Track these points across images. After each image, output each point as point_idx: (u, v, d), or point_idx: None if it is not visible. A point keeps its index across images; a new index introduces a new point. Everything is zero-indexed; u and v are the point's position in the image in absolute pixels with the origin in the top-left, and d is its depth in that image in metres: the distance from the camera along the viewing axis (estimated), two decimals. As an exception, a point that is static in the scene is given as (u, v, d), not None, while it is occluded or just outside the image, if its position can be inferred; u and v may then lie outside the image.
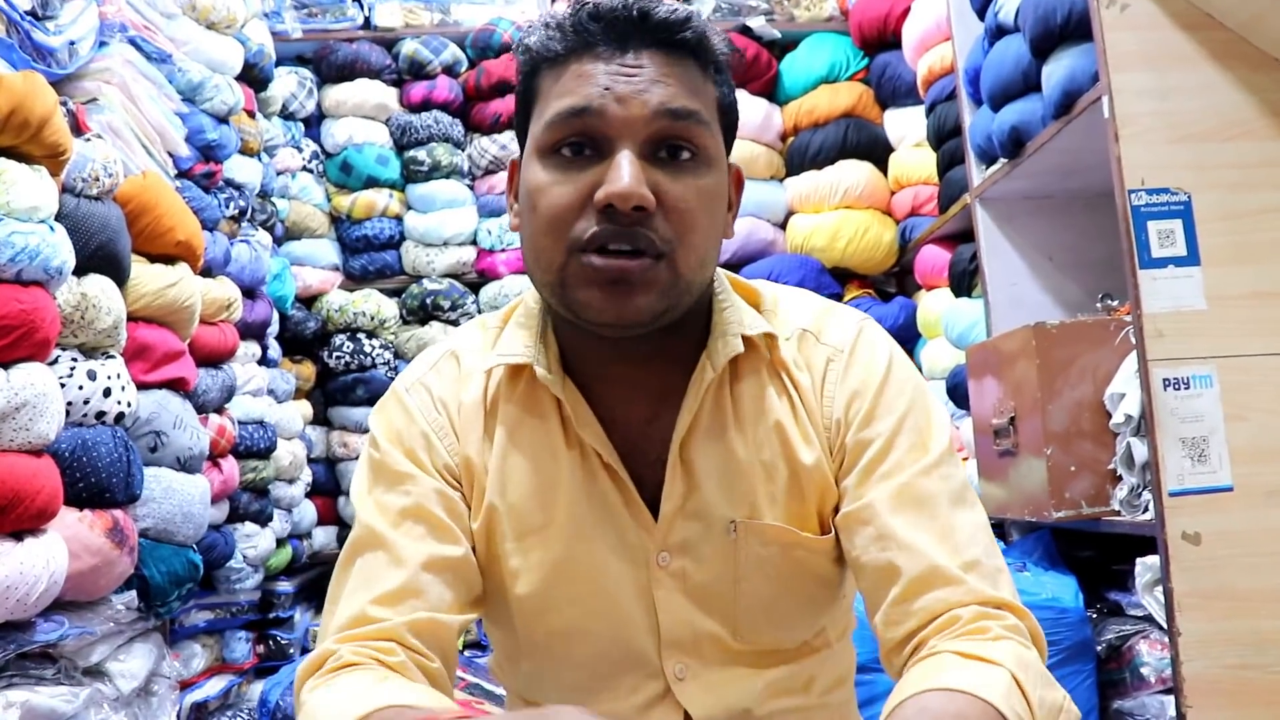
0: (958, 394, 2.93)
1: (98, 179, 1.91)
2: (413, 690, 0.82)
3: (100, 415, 1.88)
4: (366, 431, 3.90)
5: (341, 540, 3.71)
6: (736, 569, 0.96)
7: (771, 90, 3.90)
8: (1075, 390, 2.13)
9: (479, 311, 3.77)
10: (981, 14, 2.58)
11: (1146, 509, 1.94)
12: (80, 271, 1.84)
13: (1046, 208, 2.67)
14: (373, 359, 3.68)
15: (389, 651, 0.86)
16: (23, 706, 1.62)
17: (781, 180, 3.85)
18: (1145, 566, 1.91)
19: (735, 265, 3.60)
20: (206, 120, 2.70)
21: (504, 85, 3.80)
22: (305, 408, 3.60)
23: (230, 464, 2.68)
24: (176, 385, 2.25)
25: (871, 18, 3.63)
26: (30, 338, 1.63)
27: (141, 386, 2.10)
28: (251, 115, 3.10)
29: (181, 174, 2.55)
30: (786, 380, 0.97)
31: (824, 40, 3.87)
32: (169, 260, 2.25)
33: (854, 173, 3.67)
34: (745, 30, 3.84)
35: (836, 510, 0.96)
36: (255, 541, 2.89)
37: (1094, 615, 2.18)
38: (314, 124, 3.85)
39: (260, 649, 3.10)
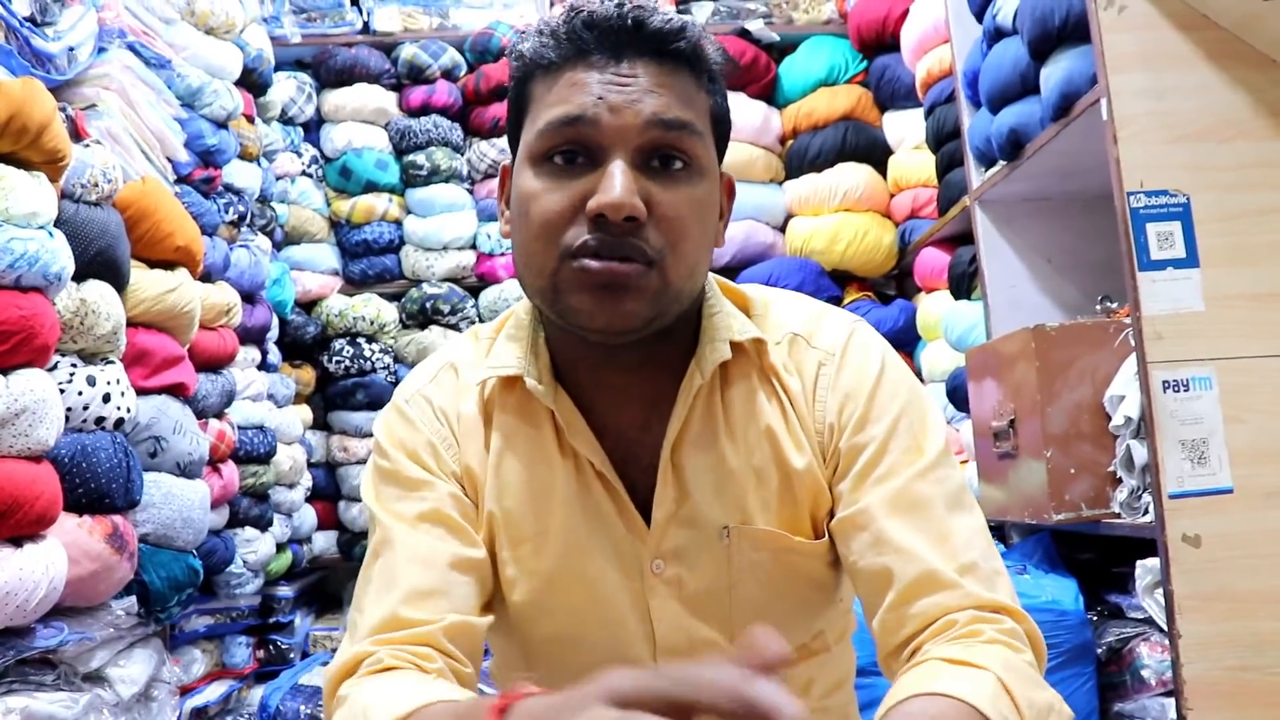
0: (957, 396, 2.93)
1: (97, 185, 1.91)
2: (460, 691, 0.83)
3: (100, 421, 1.88)
4: (367, 436, 3.91)
5: (342, 545, 3.72)
6: (730, 574, 0.96)
7: (770, 93, 3.90)
8: (1075, 392, 2.13)
9: (479, 315, 3.77)
10: (980, 16, 2.58)
11: (1146, 511, 1.94)
12: (79, 277, 1.84)
13: (1045, 210, 2.67)
14: (372, 363, 3.68)
15: (427, 658, 0.86)
16: (23, 713, 1.62)
17: (780, 183, 3.85)
18: (1145, 569, 1.91)
19: (735, 269, 3.61)
20: (205, 125, 2.70)
21: (503, 89, 3.80)
22: (305, 412, 3.60)
23: (230, 469, 2.68)
24: (176, 390, 2.25)
25: (870, 20, 3.63)
26: (29, 344, 1.63)
27: (141, 392, 2.10)
28: (250, 120, 3.10)
29: (181, 179, 2.55)
30: (777, 385, 0.97)
31: (822, 43, 3.87)
32: (168, 265, 2.25)
33: (853, 175, 3.68)
34: (744, 33, 3.84)
35: (830, 515, 0.95)
36: (255, 546, 2.89)
37: (1094, 618, 2.18)
38: (313, 129, 3.85)
39: (260, 654, 3.10)
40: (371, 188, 3.78)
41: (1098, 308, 2.33)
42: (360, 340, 3.70)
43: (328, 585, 3.79)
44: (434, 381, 1.02)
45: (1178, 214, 1.80)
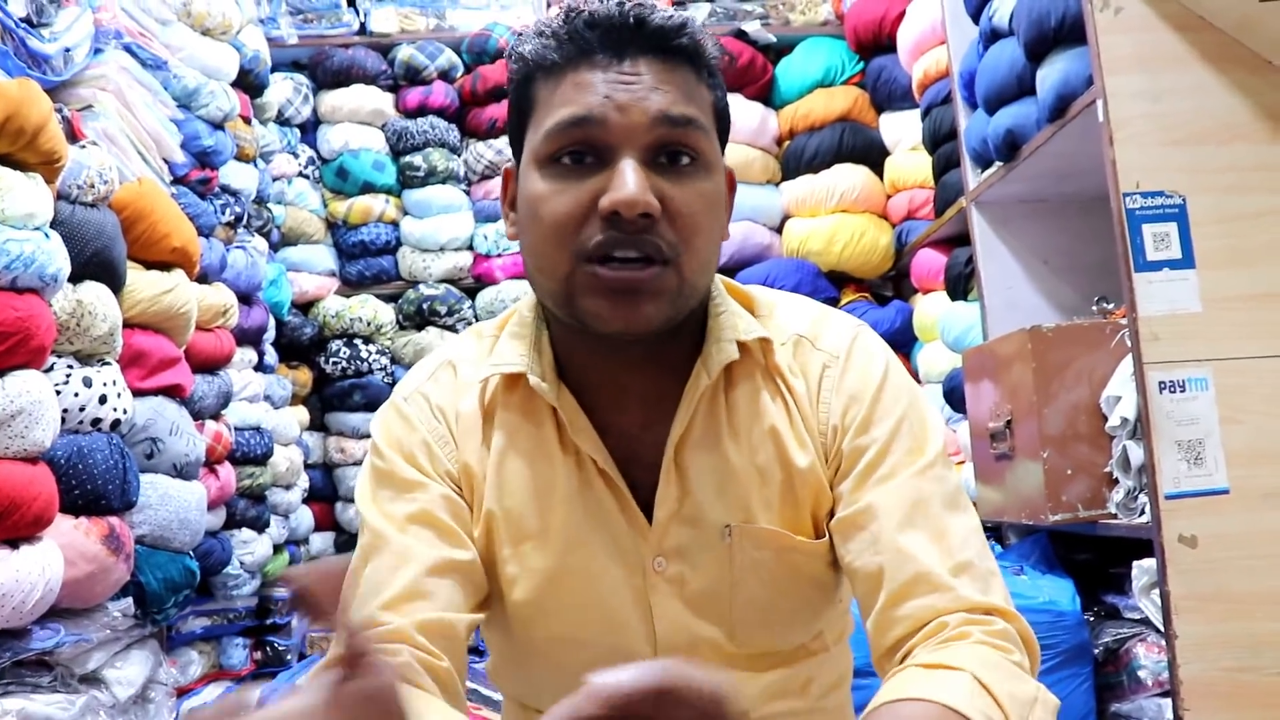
0: (954, 398, 2.93)
1: (93, 186, 1.91)
2: (414, 699, 0.81)
3: (96, 422, 1.88)
4: (364, 437, 3.91)
5: (339, 545, 3.72)
6: (732, 573, 0.96)
7: (767, 94, 3.91)
8: (1071, 393, 2.13)
9: (475, 316, 3.77)
10: (976, 18, 2.59)
11: (1143, 512, 1.94)
12: (76, 278, 1.84)
13: (1042, 211, 2.67)
14: (369, 364, 3.68)
15: (393, 653, 0.86)
16: (19, 714, 1.61)
17: (777, 184, 3.86)
18: (1142, 569, 1.91)
19: (731, 269, 3.61)
20: (202, 126, 2.70)
21: (500, 90, 3.80)
22: (302, 413, 3.60)
23: (227, 470, 2.67)
24: (173, 392, 2.25)
25: (866, 22, 3.64)
26: (25, 345, 1.63)
27: (137, 393, 2.09)
28: (247, 121, 3.10)
29: (177, 180, 2.55)
30: (781, 385, 0.97)
31: (819, 44, 3.87)
32: (165, 267, 2.25)
33: (850, 176, 3.68)
34: (741, 34, 3.85)
35: (830, 515, 0.96)
36: (252, 547, 2.89)
37: (1091, 618, 2.18)
38: (310, 130, 3.85)
39: (257, 655, 3.09)
40: (368, 189, 3.78)
41: (1094, 309, 2.34)
42: (357, 341, 3.70)
43: (325, 586, 3.79)
44: (432, 379, 1.02)
45: (1174, 215, 1.81)
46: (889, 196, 3.69)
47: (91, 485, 1.84)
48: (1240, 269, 1.81)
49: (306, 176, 3.77)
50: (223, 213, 2.83)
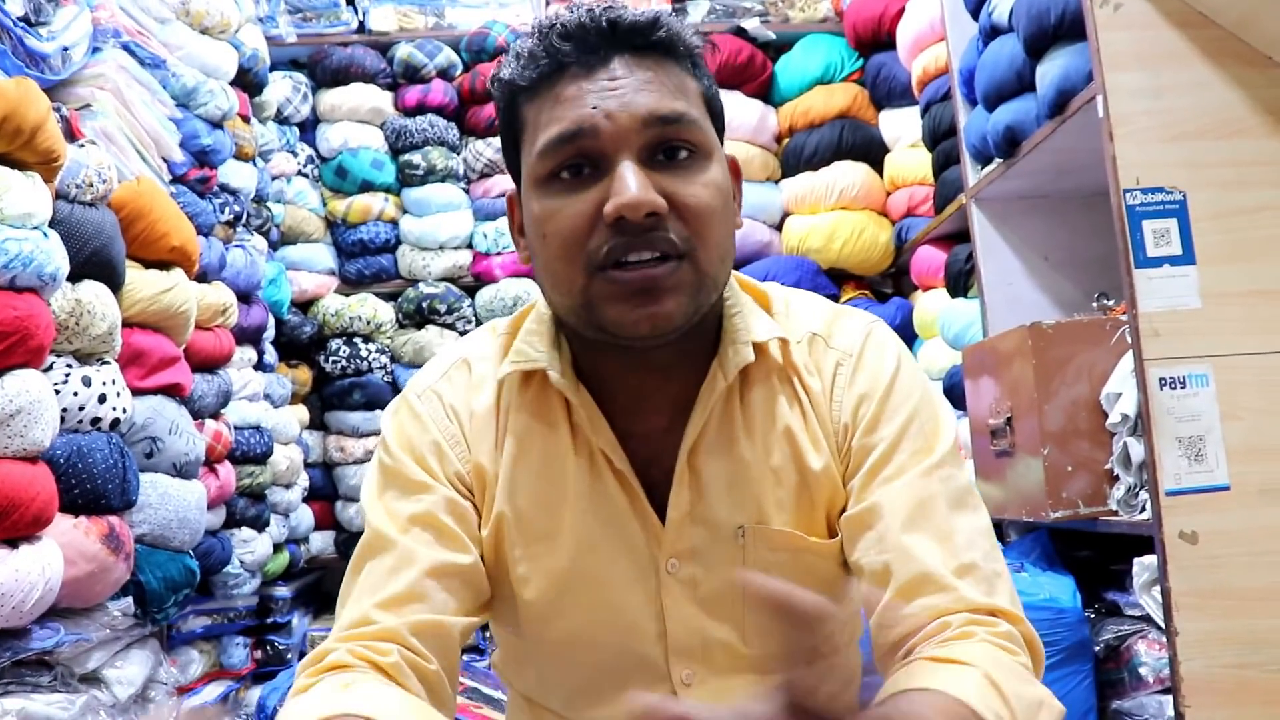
0: (954, 394, 2.93)
1: (91, 185, 1.91)
2: (374, 699, 0.80)
3: (95, 421, 1.87)
4: (364, 435, 3.89)
5: (339, 545, 3.71)
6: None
7: (766, 92, 3.90)
8: (1072, 390, 2.13)
9: (475, 315, 3.76)
10: (975, 14, 2.58)
11: (1144, 508, 1.94)
12: (75, 278, 1.84)
13: (1042, 207, 2.67)
14: (369, 363, 3.68)
15: (384, 652, 0.86)
16: (19, 714, 1.61)
17: (777, 182, 3.85)
18: (1143, 566, 1.91)
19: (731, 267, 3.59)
20: (201, 125, 2.70)
21: (499, 88, 3.79)
22: (302, 412, 3.60)
23: (227, 469, 2.67)
24: (172, 391, 2.25)
25: (866, 19, 3.63)
26: (24, 344, 1.63)
27: (137, 392, 2.09)
28: (246, 120, 3.10)
29: (176, 179, 2.55)
30: (797, 384, 0.97)
31: (819, 41, 3.87)
32: (164, 266, 2.25)
33: (849, 174, 3.68)
34: (740, 32, 3.84)
35: (843, 513, 0.96)
36: (252, 547, 2.89)
37: (1092, 615, 2.18)
38: (309, 128, 3.84)
39: (258, 654, 3.09)
40: (367, 187, 3.77)
41: (1094, 305, 2.33)
42: (357, 340, 3.70)
43: (325, 585, 3.79)
44: (446, 377, 1.01)
45: (1174, 211, 1.80)
46: (889, 193, 3.69)
47: (91, 484, 1.84)
48: (1240, 264, 1.81)
49: (305, 175, 3.76)
50: (222, 211, 2.83)
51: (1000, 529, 2.63)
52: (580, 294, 0.87)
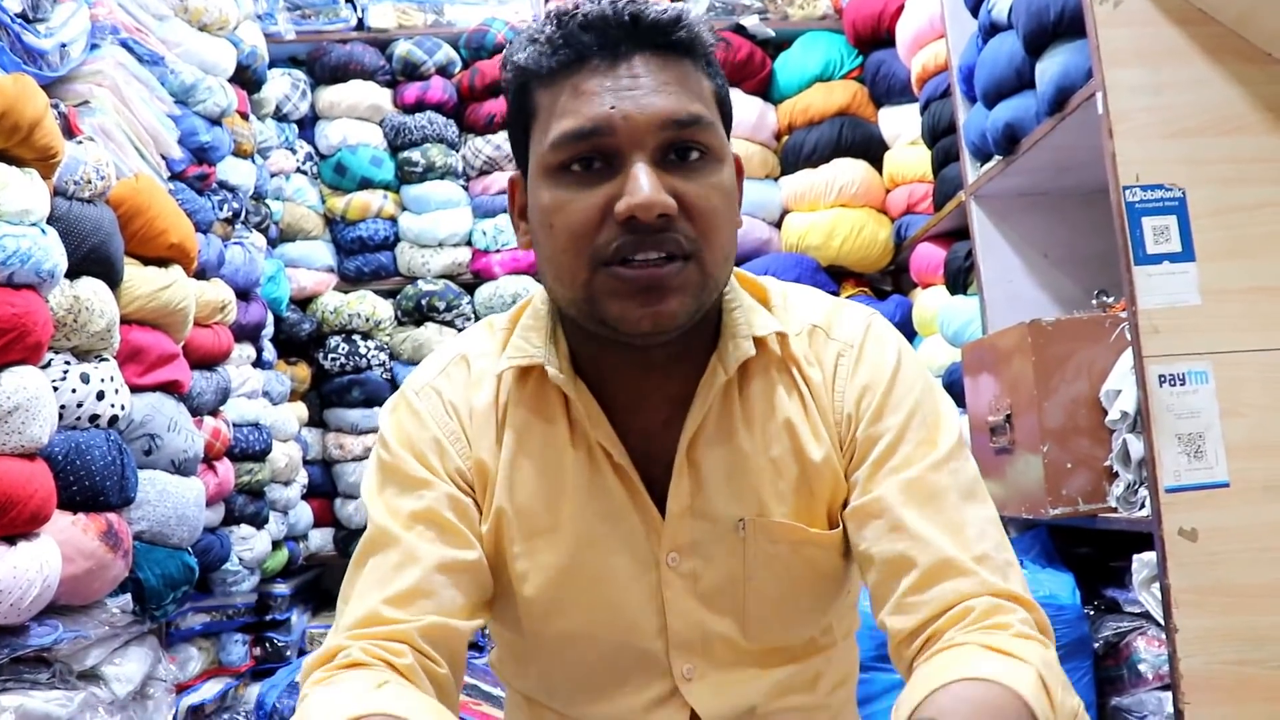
0: (953, 392, 2.92)
1: (90, 181, 1.90)
2: (408, 700, 0.81)
3: (94, 418, 1.87)
4: (363, 433, 3.88)
5: (338, 542, 3.71)
6: (745, 567, 0.96)
7: (766, 89, 3.90)
8: (1071, 387, 2.12)
9: (474, 312, 3.76)
10: (975, 11, 2.58)
11: (1143, 505, 1.94)
12: (73, 274, 1.83)
13: (1041, 204, 2.67)
14: (368, 360, 3.67)
15: (399, 654, 0.86)
16: (17, 711, 1.61)
17: (776, 179, 3.85)
18: (1142, 563, 1.91)
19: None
20: (199, 122, 2.70)
21: (498, 86, 3.79)
22: (300, 409, 3.59)
23: (225, 466, 2.67)
24: (171, 388, 2.24)
25: (865, 16, 3.63)
26: (23, 341, 1.63)
27: (135, 389, 2.09)
28: (245, 117, 3.09)
29: (175, 176, 2.54)
30: (797, 376, 0.97)
31: (818, 38, 3.87)
32: (162, 263, 2.24)
33: (849, 171, 3.68)
34: (739, 29, 3.84)
35: (844, 504, 0.95)
36: (251, 544, 2.88)
37: (1091, 612, 2.18)
38: (308, 125, 3.84)
39: (257, 651, 3.09)
40: (366, 184, 3.77)
41: (1094, 302, 2.33)
42: (356, 337, 3.70)
43: (324, 582, 3.79)
44: (444, 374, 1.01)
45: (1174, 208, 1.80)
46: (888, 191, 3.69)
47: (89, 481, 1.84)
48: (1240, 261, 1.81)
49: (304, 172, 3.76)
50: (220, 208, 2.82)
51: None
52: (583, 287, 0.87)
